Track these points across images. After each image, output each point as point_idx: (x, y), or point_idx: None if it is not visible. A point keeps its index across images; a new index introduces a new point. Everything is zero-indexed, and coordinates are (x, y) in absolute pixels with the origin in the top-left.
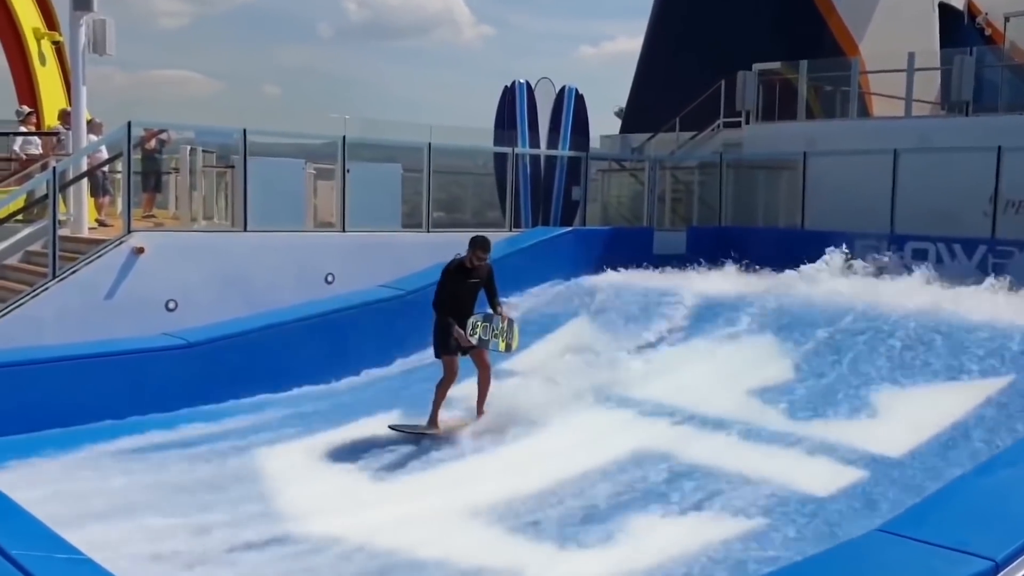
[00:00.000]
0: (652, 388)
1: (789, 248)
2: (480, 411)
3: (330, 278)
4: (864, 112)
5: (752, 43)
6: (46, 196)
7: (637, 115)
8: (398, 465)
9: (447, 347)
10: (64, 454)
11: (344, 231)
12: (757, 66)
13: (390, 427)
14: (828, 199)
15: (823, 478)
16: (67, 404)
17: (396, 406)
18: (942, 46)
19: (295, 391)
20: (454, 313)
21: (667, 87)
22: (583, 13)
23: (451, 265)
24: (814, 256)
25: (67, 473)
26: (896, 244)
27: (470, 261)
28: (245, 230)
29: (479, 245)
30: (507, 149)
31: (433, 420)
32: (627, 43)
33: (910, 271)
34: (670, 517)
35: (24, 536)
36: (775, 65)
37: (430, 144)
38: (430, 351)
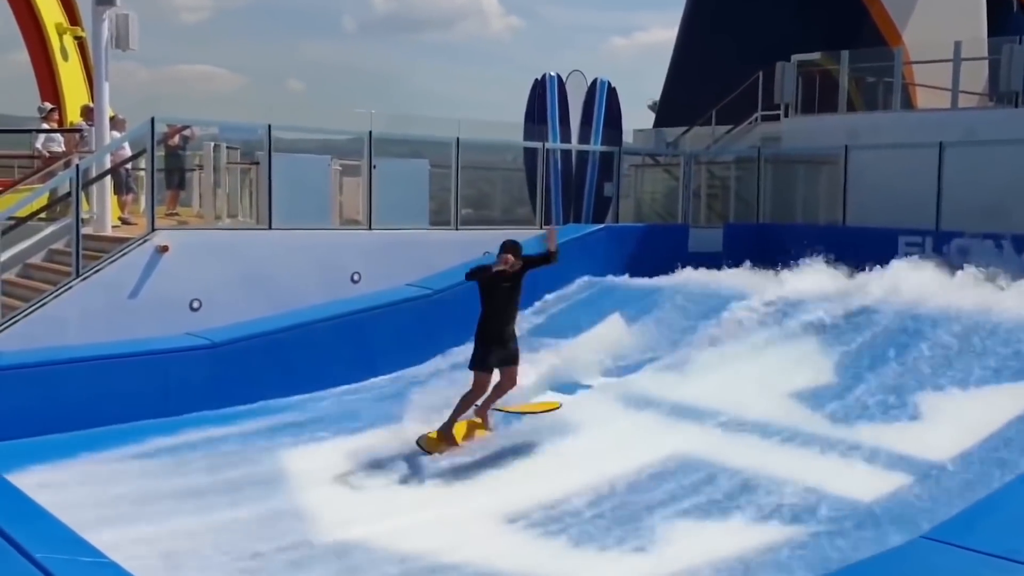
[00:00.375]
0: (689, 390)
1: (830, 245)
2: (483, 413)
3: (356, 277)
4: (908, 104)
5: (791, 33)
6: (69, 194)
7: (671, 108)
8: (425, 468)
9: (482, 363)
10: (87, 456)
11: (370, 229)
12: (796, 57)
13: (417, 442)
14: (870, 194)
15: (866, 483)
16: (90, 405)
17: (423, 408)
18: (990, 35)
19: (320, 392)
20: (491, 315)
21: (703, 79)
22: (615, 3)
23: (488, 274)
24: (856, 253)
25: (90, 475)
26: (942, 241)
27: (505, 264)
28: (270, 228)
29: (508, 249)
30: (537, 144)
31: (448, 432)
32: (661, 34)
33: (956, 269)
34: (707, 522)
35: (48, 539)
36: (815, 56)
37: (458, 139)
38: (459, 352)
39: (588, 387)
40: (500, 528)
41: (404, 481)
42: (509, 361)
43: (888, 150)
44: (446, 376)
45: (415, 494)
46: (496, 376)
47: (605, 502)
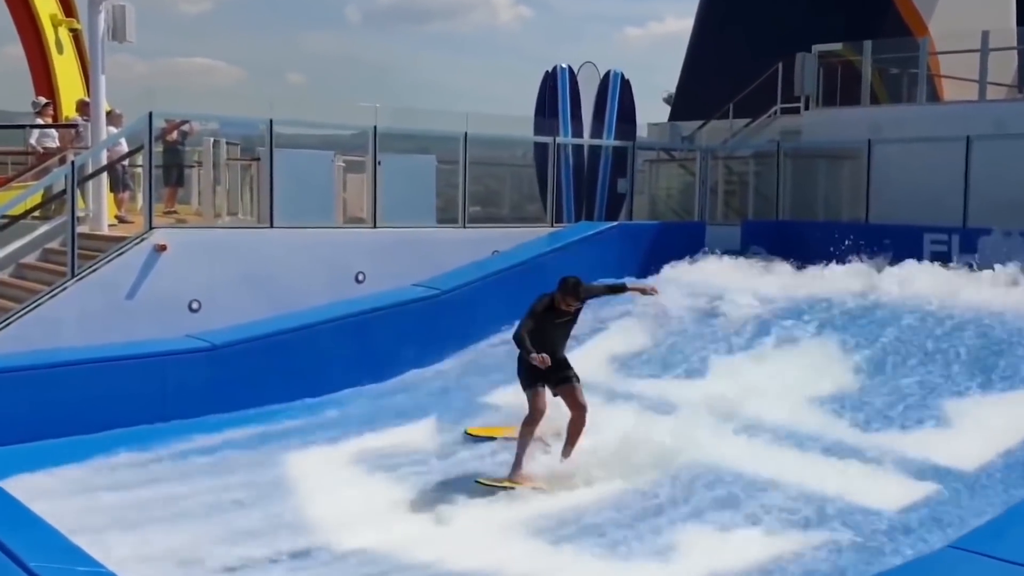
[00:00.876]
0: (707, 395)
1: (853, 243)
2: (567, 456)
3: (361, 277)
4: (934, 96)
5: (811, 22)
6: (64, 191)
7: (687, 101)
8: (434, 474)
9: (531, 379)
10: (84, 462)
11: (375, 227)
12: (817, 47)
13: (476, 482)
14: (894, 190)
15: (891, 491)
16: (87, 409)
17: (431, 412)
18: (1019, 24)
19: (324, 396)
20: (540, 342)
21: (720, 70)
22: None
23: (540, 305)
24: (879, 251)
25: (87, 482)
26: (969, 238)
27: (563, 302)
28: (271, 227)
29: (569, 291)
30: (548, 139)
31: (517, 469)
32: (676, 24)
33: (984, 267)
34: (724, 532)
35: (43, 548)
36: (836, 46)
37: (466, 134)
38: (466, 354)
39: (602, 390)
40: (510, 535)
41: (411, 486)
42: (564, 378)
43: (913, 144)
44: (454, 379)
45: (422, 500)
46: (553, 400)
47: (620, 508)
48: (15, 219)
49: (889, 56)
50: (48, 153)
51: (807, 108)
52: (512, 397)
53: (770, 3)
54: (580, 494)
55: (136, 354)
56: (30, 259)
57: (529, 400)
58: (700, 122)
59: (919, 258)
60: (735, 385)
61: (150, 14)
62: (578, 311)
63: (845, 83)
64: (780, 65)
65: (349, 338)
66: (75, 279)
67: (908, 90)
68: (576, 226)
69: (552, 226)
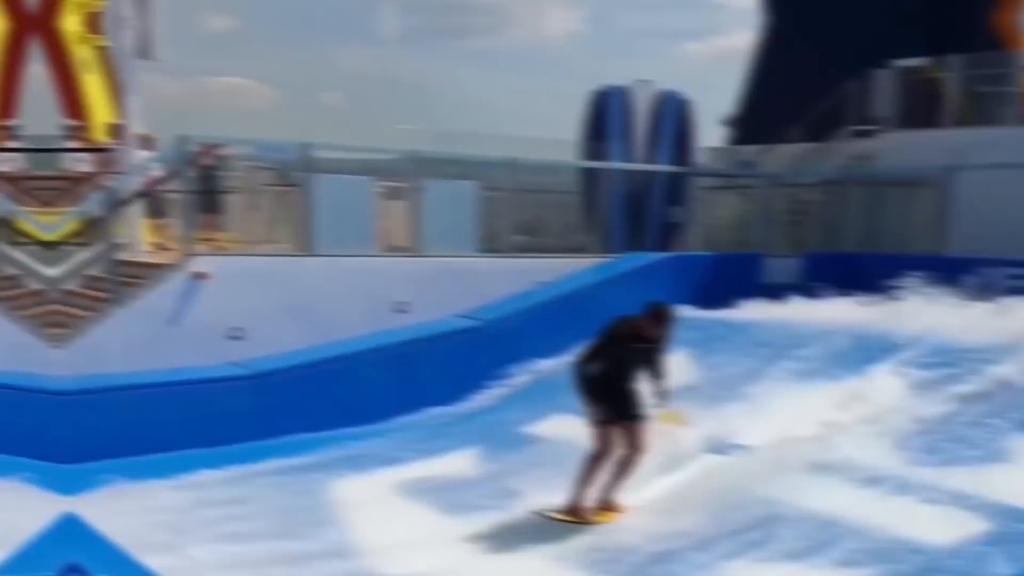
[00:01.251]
0: (755, 428)
1: (926, 277)
2: (606, 501)
3: (402, 307)
4: None
5: (888, 36)
6: (100, 218)
7: (749, 123)
8: (475, 504)
9: (588, 414)
10: (130, 484)
11: (417, 256)
12: (896, 64)
13: (532, 513)
14: (978, 221)
15: (941, 529)
16: (130, 434)
17: (473, 445)
18: None
19: (367, 426)
20: (598, 365)
21: (785, 89)
22: (686, 1)
23: (616, 328)
24: (956, 286)
25: (133, 505)
26: None
27: (645, 327)
28: (311, 255)
29: (657, 317)
30: (598, 164)
31: (574, 502)
32: (739, 38)
33: None
34: (764, 566)
35: (107, 563)
36: (918, 62)
37: (511, 159)
38: (510, 385)
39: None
40: (557, 570)
41: (454, 516)
42: (628, 416)
43: (1000, 171)
44: (497, 410)
45: (464, 529)
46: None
47: (653, 543)
48: (53, 245)
49: (978, 72)
50: (82, 178)
51: (883, 131)
52: (557, 428)
53: (842, 14)
54: (630, 530)
55: (179, 380)
56: (70, 286)
57: (596, 435)
58: (762, 146)
59: (998, 293)
60: (783, 417)
61: (178, 32)
62: (660, 341)
63: (927, 103)
64: (852, 84)
65: (391, 369)
66: (116, 306)
67: (996, 111)
68: (627, 257)
69: (600, 256)
